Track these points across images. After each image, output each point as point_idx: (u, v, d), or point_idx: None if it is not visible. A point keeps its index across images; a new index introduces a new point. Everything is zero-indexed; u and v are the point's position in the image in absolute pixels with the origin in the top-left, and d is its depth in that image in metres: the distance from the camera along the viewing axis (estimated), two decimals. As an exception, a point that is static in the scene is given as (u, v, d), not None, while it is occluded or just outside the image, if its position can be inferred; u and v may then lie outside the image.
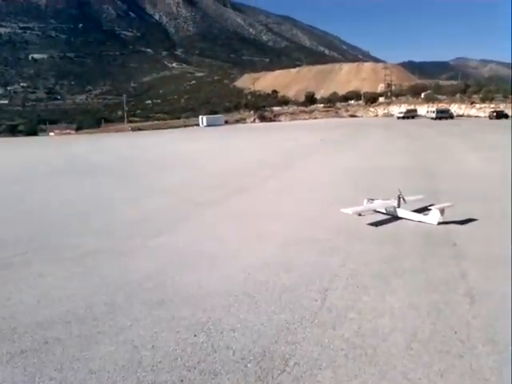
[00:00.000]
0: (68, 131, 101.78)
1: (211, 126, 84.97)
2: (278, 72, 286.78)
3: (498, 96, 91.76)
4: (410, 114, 76.07)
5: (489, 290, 4.44)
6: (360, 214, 7.26)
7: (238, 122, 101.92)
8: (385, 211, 7.61)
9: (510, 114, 69.58)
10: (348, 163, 15.31)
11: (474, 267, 5.05)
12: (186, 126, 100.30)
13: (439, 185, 10.20)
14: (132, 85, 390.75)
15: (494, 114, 68.23)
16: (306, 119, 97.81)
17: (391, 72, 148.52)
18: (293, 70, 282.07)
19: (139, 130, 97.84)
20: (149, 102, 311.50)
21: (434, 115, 68.16)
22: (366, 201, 7.94)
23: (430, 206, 7.87)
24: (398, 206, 7.44)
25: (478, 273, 4.90)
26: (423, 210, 7.76)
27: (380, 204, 7.65)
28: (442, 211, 6.90)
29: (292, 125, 68.65)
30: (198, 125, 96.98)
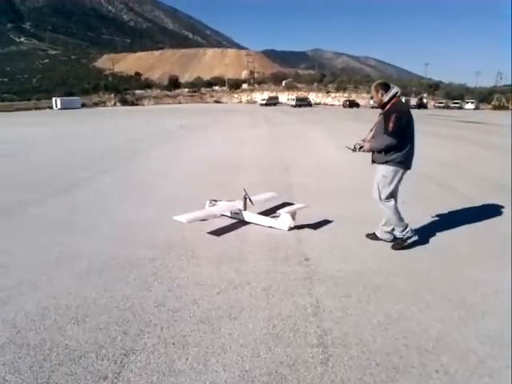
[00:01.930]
0: None
1: (67, 109, 77.92)
2: (140, 54, 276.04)
3: (350, 86, 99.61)
4: (272, 102, 78.36)
5: (347, 337, 3.23)
6: (204, 220, 5.75)
7: (96, 105, 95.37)
8: (230, 215, 6.23)
9: (360, 103, 75.52)
10: (201, 153, 13.82)
11: (330, 296, 3.86)
12: (37, 108, 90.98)
13: (294, 179, 9.17)
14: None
15: (347, 102, 73.80)
16: (170, 103, 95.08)
17: (254, 59, 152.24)
18: (156, 53, 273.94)
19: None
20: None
21: (293, 103, 71.09)
22: (208, 203, 6.47)
23: (283, 205, 6.74)
24: (245, 209, 6.11)
25: (335, 304, 3.70)
26: (275, 209, 6.55)
27: (224, 207, 6.23)
28: (293, 215, 5.71)
29: (155, 109, 65.53)
30: (51, 107, 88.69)
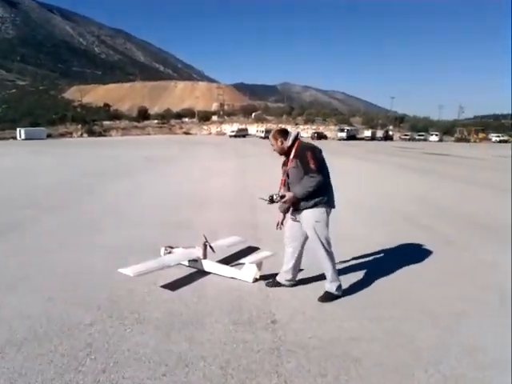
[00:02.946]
0: None
1: (31, 140, 76.19)
2: (110, 86, 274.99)
3: (318, 119, 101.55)
4: (242, 133, 78.79)
5: None
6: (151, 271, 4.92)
7: (63, 135, 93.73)
8: (187, 264, 5.47)
9: (328, 135, 76.63)
10: (164, 188, 13.06)
11: (301, 375, 3.13)
12: (0, 138, 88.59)
13: (259, 217, 8.51)
14: None
15: (316, 134, 74.96)
16: (138, 135, 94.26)
17: (224, 92, 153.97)
18: (126, 85, 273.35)
19: None
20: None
21: (263, 135, 71.69)
22: (163, 249, 5.71)
23: (249, 250, 6.05)
24: (204, 257, 5.36)
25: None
26: (240, 256, 5.84)
27: (180, 254, 5.46)
28: (259, 265, 5.01)
29: (122, 140, 64.60)
30: (15, 138, 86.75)
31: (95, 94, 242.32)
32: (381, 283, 4.98)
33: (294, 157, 4.23)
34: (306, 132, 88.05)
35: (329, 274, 4.44)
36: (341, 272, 4.92)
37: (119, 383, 3.01)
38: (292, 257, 4.68)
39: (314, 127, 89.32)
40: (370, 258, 6.01)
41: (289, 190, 4.47)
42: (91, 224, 8.15)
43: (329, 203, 4.38)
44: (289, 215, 4.67)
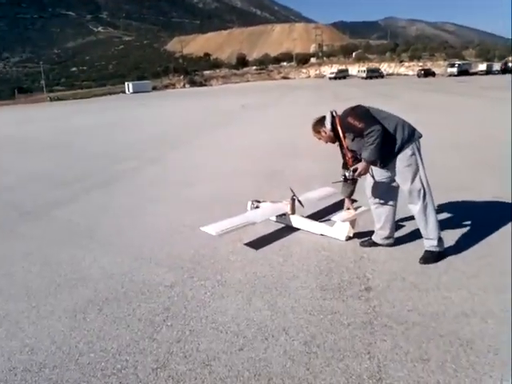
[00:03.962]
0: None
1: (138, 93, 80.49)
2: (209, 34, 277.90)
3: (425, 54, 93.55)
4: (342, 75, 75.40)
5: None
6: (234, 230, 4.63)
7: (166, 87, 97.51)
8: (275, 219, 5.12)
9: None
10: (260, 137, 12.76)
11: (398, 359, 2.66)
12: (111, 93, 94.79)
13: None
14: (55, 51, 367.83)
15: (422, 72, 69.15)
16: (237, 82, 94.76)
17: (323, 32, 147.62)
18: (224, 32, 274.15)
19: (59, 99, 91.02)
20: (74, 69, 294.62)
21: (364, 75, 68.06)
22: (249, 203, 5.40)
23: (343, 204, 5.53)
24: (292, 212, 4.96)
25: (405, 375, 2.52)
26: (332, 211, 5.35)
27: (267, 210, 5.11)
28: (353, 222, 4.50)
29: (222, 88, 65.43)
30: (124, 92, 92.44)
31: (195, 44, 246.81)
32: (498, 243, 4.21)
33: (343, 133, 3.82)
34: (411, 69, 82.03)
35: (429, 227, 3.80)
36: (446, 229, 4.24)
37: (192, 356, 2.77)
38: (383, 214, 4.11)
39: (420, 64, 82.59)
40: (483, 210, 5.18)
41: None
42: (182, 177, 8.14)
43: (410, 138, 3.69)
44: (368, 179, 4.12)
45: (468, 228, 4.61)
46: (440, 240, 3.83)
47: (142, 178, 8.27)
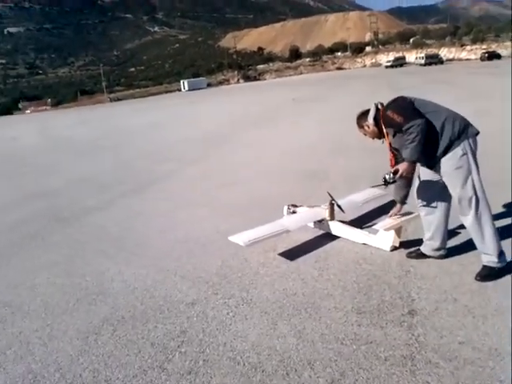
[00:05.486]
0: (44, 107, 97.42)
1: (194, 90, 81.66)
2: (262, 28, 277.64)
3: (490, 36, 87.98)
4: (399, 63, 72.63)
5: None
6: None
7: (221, 83, 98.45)
8: (313, 226, 4.69)
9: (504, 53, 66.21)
10: (306, 132, 12.30)
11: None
12: (167, 91, 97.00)
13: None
14: (115, 53, 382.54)
15: (486, 54, 64.82)
16: (291, 75, 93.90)
17: (378, 19, 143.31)
18: (277, 25, 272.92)
19: (118, 100, 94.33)
20: (132, 69, 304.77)
21: (422, 61, 65.10)
22: (285, 208, 5.00)
23: (390, 207, 5.00)
24: (331, 218, 4.51)
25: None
26: (376, 216, 4.86)
27: (304, 216, 4.69)
28: (399, 229, 3.99)
29: (275, 82, 65.05)
30: (180, 90, 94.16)
31: (248, 39, 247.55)
32: None
33: (386, 127, 3.36)
34: (473, 53, 77.66)
35: (486, 241, 3.23)
36: (507, 237, 3.66)
37: (202, 395, 2.44)
38: (434, 222, 3.57)
39: (484, 47, 77.81)
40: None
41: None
42: (222, 178, 7.86)
43: (461, 135, 3.12)
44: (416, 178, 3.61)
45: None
46: (501, 254, 3.26)
47: (182, 180, 8.08)
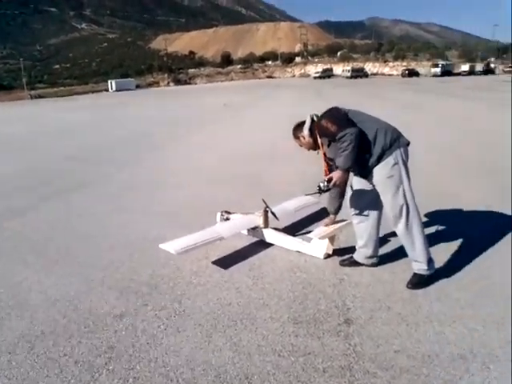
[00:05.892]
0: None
1: (122, 91, 79.24)
2: (194, 33, 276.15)
3: (409, 54, 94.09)
4: (326, 74, 75.40)
5: None
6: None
7: (150, 85, 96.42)
8: (247, 233, 4.61)
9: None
10: (238, 138, 12.28)
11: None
12: (93, 91, 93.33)
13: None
14: (37, 48, 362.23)
15: (407, 72, 69.69)
16: (222, 81, 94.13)
17: (308, 31, 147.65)
18: (209, 31, 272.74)
19: (40, 97, 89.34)
20: (57, 66, 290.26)
21: (349, 74, 68.12)
22: (219, 215, 4.88)
23: (321, 215, 5.03)
24: (265, 226, 4.46)
25: None
26: (309, 223, 4.88)
27: (237, 223, 4.60)
28: (331, 238, 4.01)
29: (206, 87, 64.77)
30: (107, 90, 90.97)
31: (180, 43, 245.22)
32: (495, 263, 3.77)
33: (320, 137, 3.38)
34: (395, 69, 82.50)
35: (416, 249, 3.32)
36: (435, 244, 3.79)
37: (132, 417, 2.25)
38: (366, 230, 3.63)
39: (404, 64, 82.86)
40: (474, 221, 4.75)
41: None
42: (152, 183, 7.60)
43: (393, 145, 3.18)
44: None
45: (460, 243, 4.16)
46: (430, 261, 3.36)
47: (111, 184, 7.68)
